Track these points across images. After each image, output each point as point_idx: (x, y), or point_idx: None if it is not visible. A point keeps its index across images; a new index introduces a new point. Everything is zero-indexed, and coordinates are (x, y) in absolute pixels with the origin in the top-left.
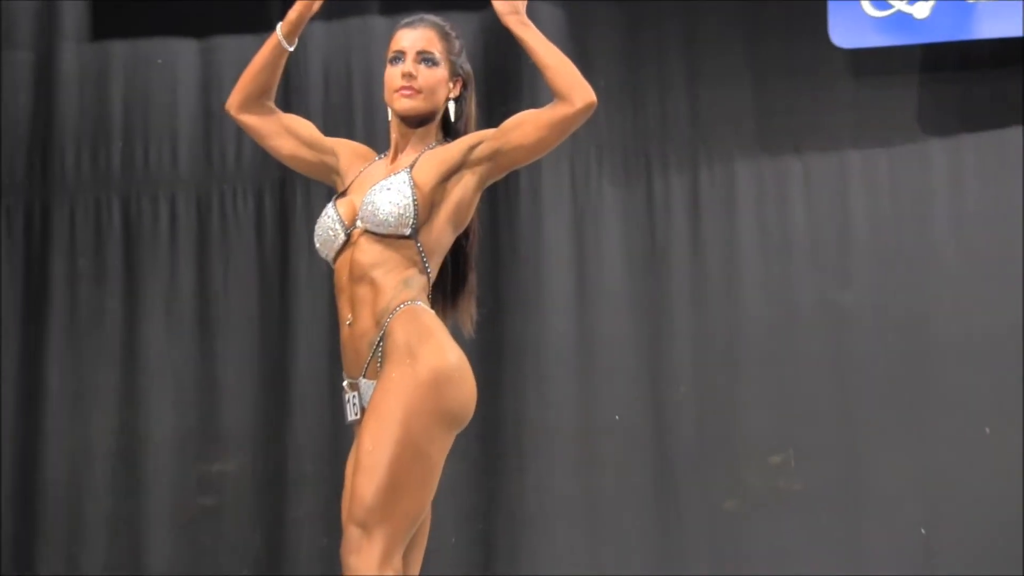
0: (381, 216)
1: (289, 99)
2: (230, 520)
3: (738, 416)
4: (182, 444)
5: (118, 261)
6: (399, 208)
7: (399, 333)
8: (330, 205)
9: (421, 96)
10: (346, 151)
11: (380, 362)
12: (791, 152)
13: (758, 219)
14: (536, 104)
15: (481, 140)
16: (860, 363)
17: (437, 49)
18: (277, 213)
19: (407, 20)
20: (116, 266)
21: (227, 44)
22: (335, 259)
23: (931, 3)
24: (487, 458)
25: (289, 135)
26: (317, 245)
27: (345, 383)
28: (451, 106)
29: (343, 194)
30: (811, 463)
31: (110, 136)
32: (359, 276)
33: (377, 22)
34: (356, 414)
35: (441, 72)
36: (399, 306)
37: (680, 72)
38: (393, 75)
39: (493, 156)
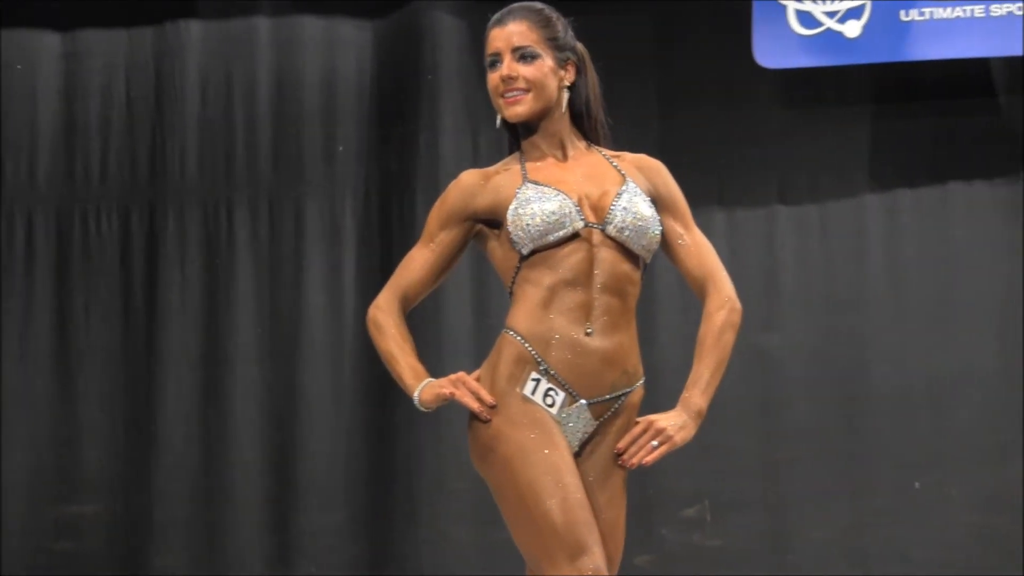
0: (650, 234)
1: (162, 111)
2: (89, 567)
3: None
4: (37, 484)
5: None
6: (659, 230)
7: (634, 412)
8: (551, 189)
9: (530, 96)
10: (475, 191)
11: (612, 415)
12: (711, 185)
13: None
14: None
15: (673, 197)
16: (785, 410)
17: (533, 40)
18: (145, 236)
19: (496, 16)
20: None
21: (93, 48)
22: (548, 247)
23: (863, 22)
24: (376, 506)
25: (446, 265)
26: (535, 227)
27: (542, 375)
28: (565, 95)
29: (543, 183)
30: (730, 516)
31: None
32: (612, 287)
33: (262, 25)
34: (550, 406)
35: (546, 64)
36: (643, 376)
37: None
38: (493, 80)
39: (665, 231)
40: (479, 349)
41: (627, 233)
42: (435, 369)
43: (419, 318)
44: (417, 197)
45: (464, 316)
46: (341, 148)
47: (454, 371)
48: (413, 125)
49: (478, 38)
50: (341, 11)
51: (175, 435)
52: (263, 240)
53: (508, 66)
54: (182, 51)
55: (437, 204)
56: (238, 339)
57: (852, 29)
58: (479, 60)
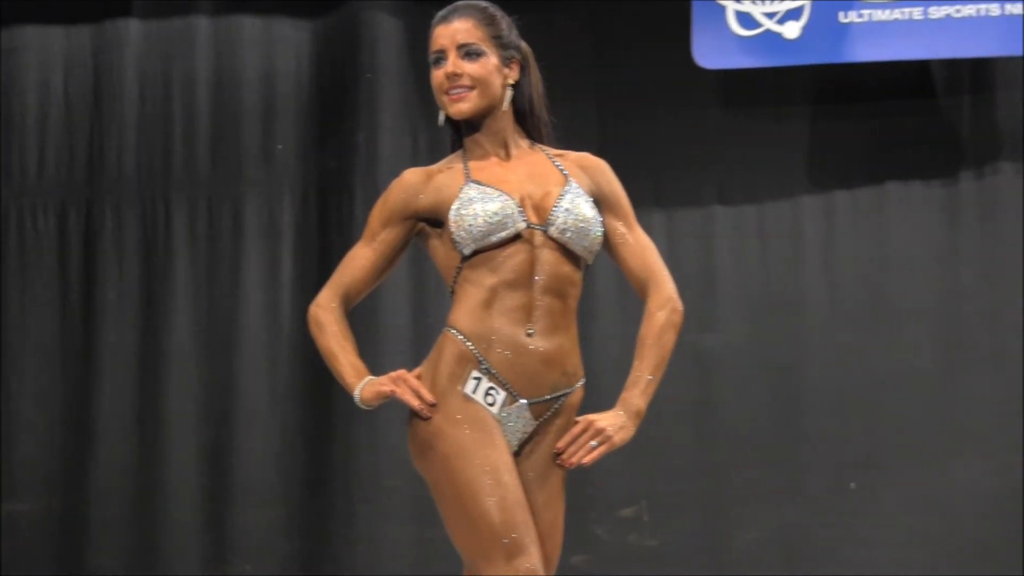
0: (592, 235)
1: (100, 107)
2: (24, 566)
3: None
4: None
5: None
6: (600, 231)
7: (574, 413)
8: (494, 190)
9: (475, 93)
10: (417, 190)
11: (552, 415)
12: (650, 185)
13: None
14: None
15: (616, 196)
16: (722, 410)
17: (478, 37)
18: (83, 233)
19: (441, 14)
20: None
21: (31, 44)
22: (490, 248)
23: (802, 23)
24: (312, 504)
25: (388, 263)
26: (478, 227)
27: (483, 374)
28: (509, 93)
29: (486, 184)
30: (666, 516)
31: None
32: (553, 288)
33: (201, 23)
34: (491, 404)
35: (490, 61)
36: (583, 377)
37: None
38: (438, 78)
39: (607, 230)
40: (417, 348)
41: (569, 235)
42: (373, 368)
43: (357, 317)
44: (355, 196)
45: (402, 315)
46: (280, 147)
47: (392, 370)
48: (351, 124)
49: (416, 38)
50: (280, 10)
51: (111, 433)
52: (201, 238)
53: (453, 63)
54: (120, 49)
55: (379, 202)
56: (175, 337)
57: (791, 30)
58: (417, 60)
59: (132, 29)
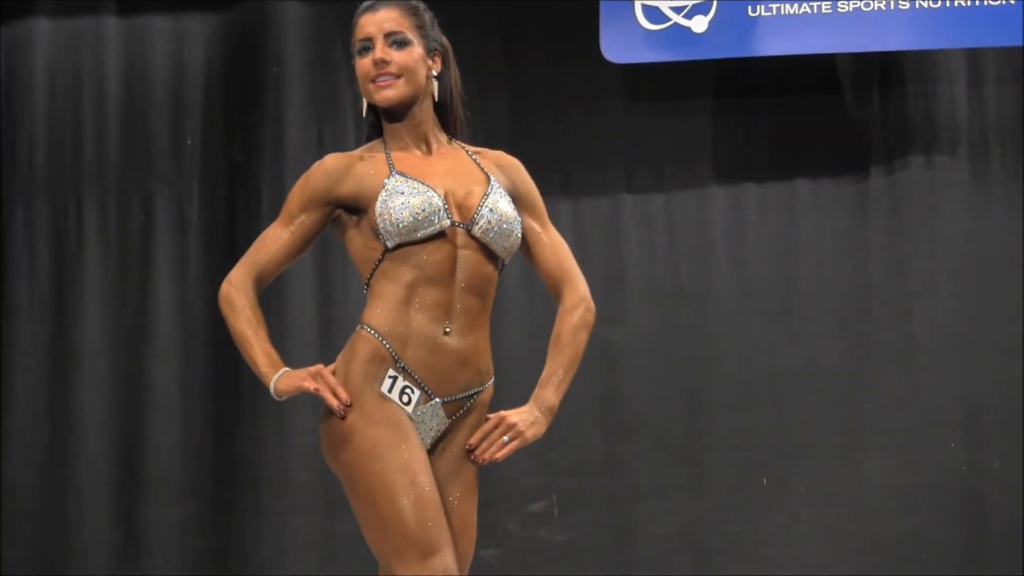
0: (513, 236)
1: (12, 103)
2: None
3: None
4: None
5: None
6: (520, 231)
7: (484, 410)
8: (420, 184)
9: (401, 81)
10: (339, 176)
11: (464, 413)
12: (558, 177)
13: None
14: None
15: (531, 196)
16: (630, 404)
17: (406, 27)
18: None
19: (366, 4)
20: None
21: None
22: (413, 243)
23: (709, 17)
24: (222, 498)
25: (302, 247)
26: (404, 221)
27: (399, 373)
28: (435, 85)
29: (411, 176)
30: (576, 511)
31: None
32: (473, 287)
33: (110, 23)
34: (406, 403)
35: (416, 51)
36: (493, 376)
37: None
38: (365, 66)
39: (524, 231)
40: (323, 340)
41: (492, 235)
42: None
43: (262, 307)
44: (262, 188)
45: (308, 307)
46: (189, 142)
47: (298, 362)
48: (258, 117)
49: (322, 31)
50: (188, 4)
51: (23, 427)
52: (111, 233)
53: (381, 50)
54: (30, 46)
55: (299, 185)
56: (86, 332)
57: (699, 24)
58: (323, 53)
59: (42, 27)
